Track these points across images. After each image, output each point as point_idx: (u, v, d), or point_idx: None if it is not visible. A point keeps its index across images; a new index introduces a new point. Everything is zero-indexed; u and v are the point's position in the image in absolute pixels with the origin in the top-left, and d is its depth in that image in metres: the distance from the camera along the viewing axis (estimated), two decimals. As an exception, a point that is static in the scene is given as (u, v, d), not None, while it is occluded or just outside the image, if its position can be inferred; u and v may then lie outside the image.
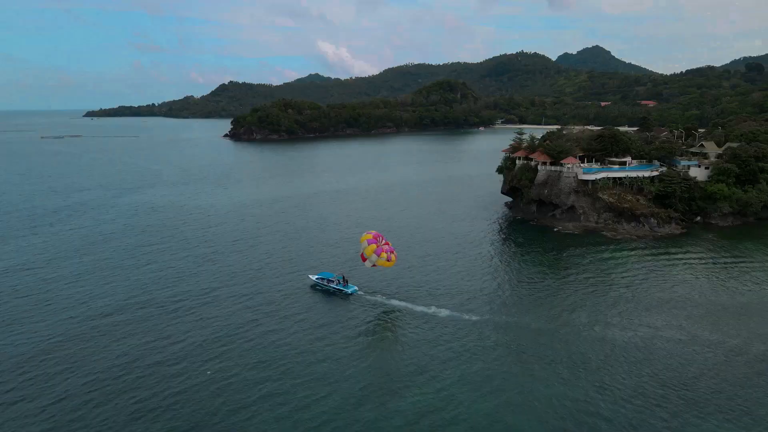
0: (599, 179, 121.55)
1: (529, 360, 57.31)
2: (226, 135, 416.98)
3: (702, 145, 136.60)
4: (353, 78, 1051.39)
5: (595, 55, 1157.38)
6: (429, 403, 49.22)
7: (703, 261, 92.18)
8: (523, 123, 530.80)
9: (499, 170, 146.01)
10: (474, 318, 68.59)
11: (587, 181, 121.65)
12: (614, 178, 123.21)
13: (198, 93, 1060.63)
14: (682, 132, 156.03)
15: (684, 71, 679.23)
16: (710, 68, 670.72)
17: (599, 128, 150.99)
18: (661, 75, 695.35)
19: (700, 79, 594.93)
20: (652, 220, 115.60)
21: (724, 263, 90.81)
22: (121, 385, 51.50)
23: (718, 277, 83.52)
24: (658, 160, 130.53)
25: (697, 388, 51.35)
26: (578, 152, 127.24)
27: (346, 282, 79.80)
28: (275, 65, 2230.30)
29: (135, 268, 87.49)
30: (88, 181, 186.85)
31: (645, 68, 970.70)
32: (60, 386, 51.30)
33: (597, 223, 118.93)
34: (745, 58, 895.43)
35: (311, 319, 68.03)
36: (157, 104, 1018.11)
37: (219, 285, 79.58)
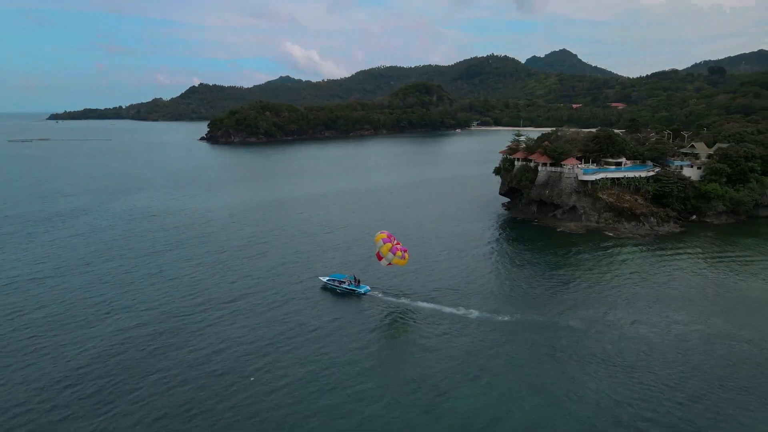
0: (599, 179, 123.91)
1: (571, 361, 57.72)
2: (202, 138, 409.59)
3: (693, 146, 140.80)
4: (325, 80, 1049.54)
5: (563, 58, 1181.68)
6: (489, 410, 49.18)
7: (712, 257, 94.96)
8: (499, 125, 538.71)
9: (497, 171, 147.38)
10: (506, 318, 69.04)
11: (586, 181, 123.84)
12: (612, 179, 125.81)
13: (165, 95, 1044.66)
14: (669, 133, 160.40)
15: (649, 74, 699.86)
16: (674, 71, 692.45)
17: (592, 130, 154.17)
18: (628, 78, 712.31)
19: (666, 81, 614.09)
20: (652, 219, 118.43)
21: (731, 259, 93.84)
22: (172, 399, 49.58)
23: (730, 273, 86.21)
24: (651, 161, 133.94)
25: (761, 385, 52.67)
26: (576, 153, 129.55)
27: (358, 282, 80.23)
28: (243, 67, 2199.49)
29: (148, 276, 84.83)
30: (72, 185, 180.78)
31: (610, 71, 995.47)
32: (107, 403, 49.11)
33: (598, 222, 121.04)
34: (705, 61, 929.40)
35: (347, 325, 67.05)
36: (124, 107, 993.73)
37: (241, 293, 77.48)
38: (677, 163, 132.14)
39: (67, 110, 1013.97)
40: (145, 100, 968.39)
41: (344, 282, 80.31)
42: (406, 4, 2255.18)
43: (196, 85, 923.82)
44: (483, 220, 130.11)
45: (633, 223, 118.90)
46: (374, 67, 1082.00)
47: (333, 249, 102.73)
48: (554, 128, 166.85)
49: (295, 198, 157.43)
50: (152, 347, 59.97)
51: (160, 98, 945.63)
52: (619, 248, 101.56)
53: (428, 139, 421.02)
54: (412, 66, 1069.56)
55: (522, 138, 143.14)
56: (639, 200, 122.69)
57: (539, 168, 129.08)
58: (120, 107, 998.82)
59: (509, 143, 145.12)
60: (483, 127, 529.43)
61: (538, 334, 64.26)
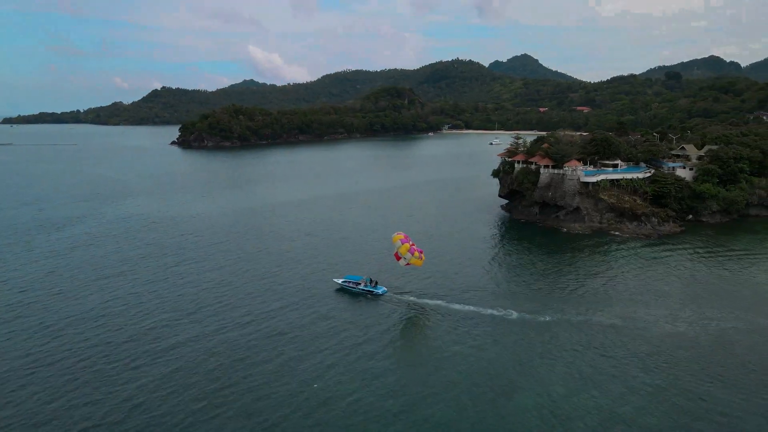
0: (600, 181, 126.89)
1: (622, 359, 58.88)
2: (173, 142, 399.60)
3: (683, 148, 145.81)
4: (291, 84, 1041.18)
5: (525, 63, 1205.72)
6: (551, 404, 49.97)
7: (722, 255, 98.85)
8: (469, 128, 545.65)
9: (495, 174, 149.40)
10: (547, 318, 70.03)
11: (587, 183, 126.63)
12: (611, 180, 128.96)
13: (123, 98, 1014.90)
14: (657, 136, 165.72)
15: (609, 78, 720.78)
16: (632, 76, 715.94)
17: (585, 133, 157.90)
18: (590, 82, 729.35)
19: (626, 86, 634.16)
20: (654, 219, 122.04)
21: (740, 256, 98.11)
22: (253, 418, 48.20)
23: (744, 269, 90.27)
24: (645, 162, 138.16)
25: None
26: (576, 156, 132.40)
27: (375, 283, 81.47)
28: (204, 71, 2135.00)
29: (175, 287, 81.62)
30: (55, 192, 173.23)
31: (570, 76, 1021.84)
32: (180, 422, 47.32)
33: (601, 223, 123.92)
34: (660, 66, 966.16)
35: (396, 331, 66.83)
36: (82, 110, 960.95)
37: (277, 304, 75.46)
38: (670, 164, 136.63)
39: (21, 114, 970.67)
40: (103, 104, 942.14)
41: (360, 283, 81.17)
42: (368, 9, 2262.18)
43: (159, 89, 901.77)
44: (486, 222, 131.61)
45: (635, 223, 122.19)
46: (339, 71, 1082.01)
47: (346, 251, 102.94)
48: (551, 131, 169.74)
49: (293, 202, 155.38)
50: (214, 363, 57.52)
51: (120, 102, 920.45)
52: (630, 247, 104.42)
53: (403, 143, 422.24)
54: (378, 70, 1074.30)
55: (520, 141, 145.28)
56: (638, 201, 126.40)
57: (541, 170, 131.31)
58: (78, 111, 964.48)
59: (509, 145, 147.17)
60: (454, 131, 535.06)
61: (583, 334, 65.30)
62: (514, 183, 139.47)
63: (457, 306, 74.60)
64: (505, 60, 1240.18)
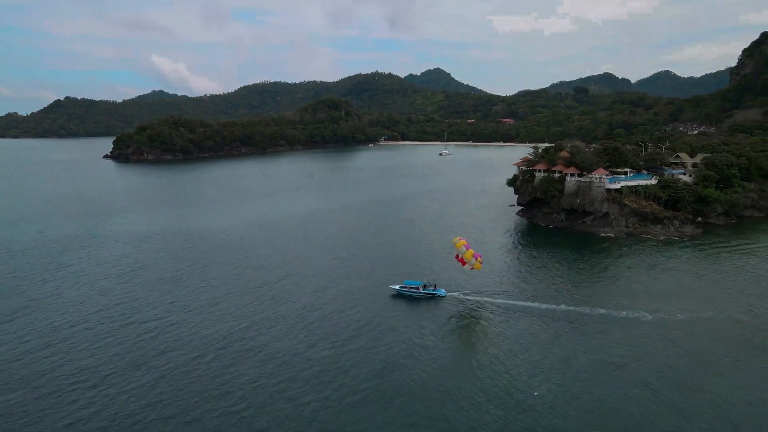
0: (622, 188, 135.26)
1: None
2: (107, 156, 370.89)
3: (678, 156, 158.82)
4: (208, 95, 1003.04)
5: (438, 77, 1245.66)
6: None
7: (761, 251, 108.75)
8: (406, 140, 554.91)
9: (511, 183, 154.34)
10: (680, 317, 74.22)
11: (610, 189, 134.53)
12: (629, 187, 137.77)
13: (13, 109, 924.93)
14: (641, 145, 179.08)
15: (520, 92, 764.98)
16: (544, 90, 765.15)
17: (590, 144, 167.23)
18: (506, 96, 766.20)
19: (541, 99, 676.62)
20: (675, 222, 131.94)
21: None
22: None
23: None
24: (647, 170, 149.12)
25: None
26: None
27: (434, 286, 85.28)
28: (106, 80, 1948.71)
29: (257, 302, 78.34)
30: (37, 209, 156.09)
31: (481, 89, 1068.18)
32: None
33: (627, 227, 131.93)
34: (561, 82, 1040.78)
35: (528, 342, 67.69)
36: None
37: (388, 320, 74.36)
38: (672, 171, 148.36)
39: None
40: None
41: (419, 288, 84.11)
42: (280, 21, 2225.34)
43: (62, 99, 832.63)
44: (513, 229, 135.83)
45: (659, 227, 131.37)
46: (256, 82, 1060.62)
47: (385, 260, 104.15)
48: (558, 141, 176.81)
49: (301, 215, 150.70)
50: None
51: (15, 113, 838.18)
52: (676, 248, 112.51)
53: (349, 154, 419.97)
54: (297, 81, 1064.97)
55: (539, 151, 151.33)
56: (654, 205, 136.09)
57: (567, 178, 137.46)
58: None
59: (526, 154, 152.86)
60: (391, 142, 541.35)
61: (729, 330, 69.82)
62: (537, 191, 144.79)
63: (584, 309, 76.79)
64: (419, 73, 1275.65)
